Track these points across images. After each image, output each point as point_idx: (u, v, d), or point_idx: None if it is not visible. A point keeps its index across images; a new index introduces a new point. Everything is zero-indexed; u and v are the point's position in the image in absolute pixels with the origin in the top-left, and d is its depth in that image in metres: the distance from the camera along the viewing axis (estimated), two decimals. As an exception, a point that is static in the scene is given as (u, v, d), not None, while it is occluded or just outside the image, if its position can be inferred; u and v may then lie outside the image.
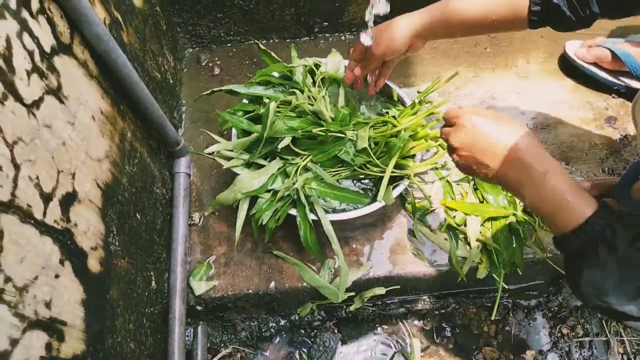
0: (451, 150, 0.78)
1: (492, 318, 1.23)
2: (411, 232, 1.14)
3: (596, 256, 0.63)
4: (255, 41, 1.12)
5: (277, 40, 1.46)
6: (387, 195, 1.02)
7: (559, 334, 1.25)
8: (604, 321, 1.25)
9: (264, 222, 1.01)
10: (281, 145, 1.04)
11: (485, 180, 0.77)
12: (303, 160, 1.06)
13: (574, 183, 0.69)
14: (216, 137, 1.11)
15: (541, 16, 0.89)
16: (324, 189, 1.04)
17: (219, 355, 1.18)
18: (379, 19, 0.99)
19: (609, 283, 0.63)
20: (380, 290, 1.13)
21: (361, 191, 1.10)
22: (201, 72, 1.40)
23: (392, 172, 1.04)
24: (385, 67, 1.10)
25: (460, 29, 0.95)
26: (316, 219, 1.01)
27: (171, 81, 1.26)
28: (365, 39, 0.99)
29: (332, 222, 1.01)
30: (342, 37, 1.47)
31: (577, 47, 1.35)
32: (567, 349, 1.23)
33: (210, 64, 1.41)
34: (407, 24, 0.96)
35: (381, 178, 1.04)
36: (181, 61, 1.40)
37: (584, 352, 1.23)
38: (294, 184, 1.02)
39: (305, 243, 1.01)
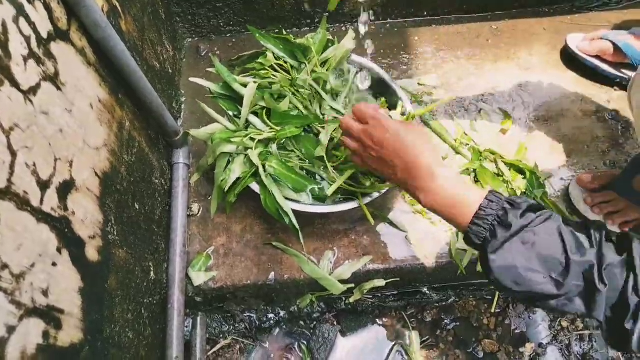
0: (361, 146, 0.84)
1: (492, 311, 1.23)
2: (411, 225, 1.13)
3: (495, 238, 0.66)
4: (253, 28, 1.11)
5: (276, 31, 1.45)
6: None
7: (559, 327, 1.24)
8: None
9: (225, 190, 1.02)
10: (244, 115, 1.05)
11: (388, 180, 0.85)
12: (267, 134, 1.05)
13: (463, 180, 0.74)
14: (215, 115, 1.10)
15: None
16: (281, 169, 1.02)
17: (218, 346, 1.17)
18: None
19: (517, 262, 0.64)
20: (380, 282, 1.12)
21: (315, 180, 1.06)
22: (200, 63, 1.39)
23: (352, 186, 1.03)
24: None
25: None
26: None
27: (170, 71, 1.25)
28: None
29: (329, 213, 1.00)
30: (343, 28, 1.46)
31: (579, 40, 1.34)
32: (567, 342, 1.23)
33: (210, 54, 1.39)
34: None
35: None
36: (180, 51, 1.39)
37: (583, 345, 1.23)
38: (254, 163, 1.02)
39: (265, 206, 1.00)
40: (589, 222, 0.67)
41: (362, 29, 1.03)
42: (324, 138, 1.03)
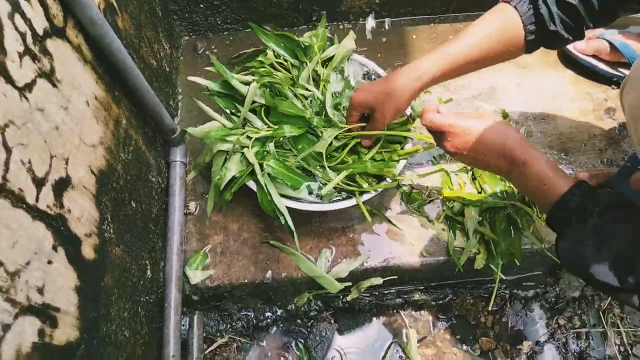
0: (449, 153, 0.89)
1: (490, 309, 1.23)
2: (409, 222, 1.13)
3: (570, 227, 0.72)
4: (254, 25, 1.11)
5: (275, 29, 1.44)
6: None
7: (556, 325, 1.25)
8: (601, 312, 1.25)
9: (222, 188, 1.02)
10: (243, 114, 1.05)
11: (484, 170, 0.90)
12: (264, 132, 1.05)
13: (553, 166, 0.78)
14: (212, 113, 1.10)
15: (538, 43, 0.92)
16: (278, 168, 1.02)
17: (215, 345, 1.17)
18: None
19: (586, 253, 0.69)
20: (377, 281, 1.12)
21: (310, 177, 1.06)
22: (198, 60, 1.38)
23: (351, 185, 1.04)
24: None
25: (460, 73, 0.97)
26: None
27: (167, 69, 1.24)
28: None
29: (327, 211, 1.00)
30: (340, 26, 1.45)
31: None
32: (564, 340, 1.23)
33: (207, 52, 1.39)
34: (407, 87, 0.93)
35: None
36: (177, 49, 1.38)
37: (580, 343, 1.23)
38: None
39: (262, 204, 1.00)
40: None
41: (369, 35, 1.03)
42: (327, 135, 1.03)
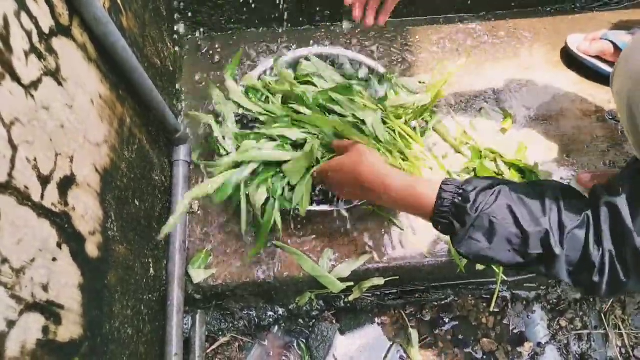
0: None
1: (491, 310, 1.23)
2: (411, 223, 1.13)
3: (455, 229, 0.72)
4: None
5: (278, 29, 1.45)
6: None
7: (558, 327, 1.25)
8: (602, 314, 1.25)
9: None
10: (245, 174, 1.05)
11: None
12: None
13: (412, 179, 0.80)
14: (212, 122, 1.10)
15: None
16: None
17: (217, 344, 1.17)
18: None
19: (482, 246, 0.70)
20: (379, 281, 1.12)
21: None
22: (201, 60, 1.39)
23: None
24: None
25: None
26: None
27: (171, 68, 1.25)
28: None
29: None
30: (344, 26, 1.45)
31: (579, 40, 1.34)
32: (566, 342, 1.23)
33: (211, 52, 1.39)
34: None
35: None
36: (181, 48, 1.39)
37: (582, 345, 1.23)
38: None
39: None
40: (544, 187, 0.70)
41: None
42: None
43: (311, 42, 1.39)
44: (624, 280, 0.63)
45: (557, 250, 0.65)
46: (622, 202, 0.63)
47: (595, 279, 0.64)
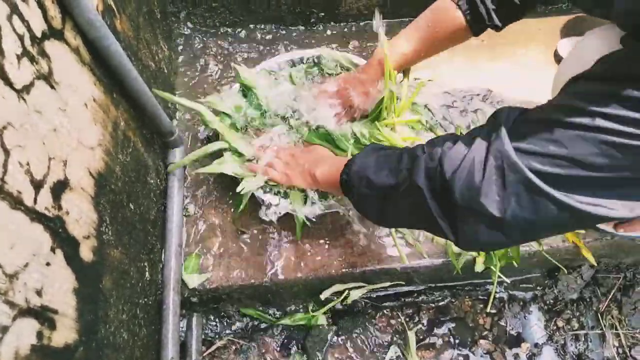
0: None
1: (488, 311, 1.23)
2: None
3: (353, 197, 0.84)
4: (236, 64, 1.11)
5: (274, 30, 1.45)
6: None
7: (555, 327, 1.25)
8: (599, 314, 1.25)
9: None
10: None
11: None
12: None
13: (331, 161, 0.96)
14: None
15: (476, 21, 0.96)
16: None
17: (214, 347, 1.17)
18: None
19: (386, 216, 0.80)
20: (377, 282, 1.12)
21: None
22: (196, 62, 1.38)
23: None
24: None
25: (412, 63, 1.08)
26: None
27: (166, 71, 1.24)
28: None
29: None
30: (338, 28, 1.46)
31: (569, 46, 1.34)
32: (563, 342, 1.23)
33: (206, 54, 1.39)
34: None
35: None
36: (176, 51, 1.38)
37: (579, 345, 1.23)
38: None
39: None
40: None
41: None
42: None
43: (312, 42, 1.39)
44: (478, 186, 0.62)
45: (419, 151, 0.72)
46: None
47: (448, 176, 0.65)
